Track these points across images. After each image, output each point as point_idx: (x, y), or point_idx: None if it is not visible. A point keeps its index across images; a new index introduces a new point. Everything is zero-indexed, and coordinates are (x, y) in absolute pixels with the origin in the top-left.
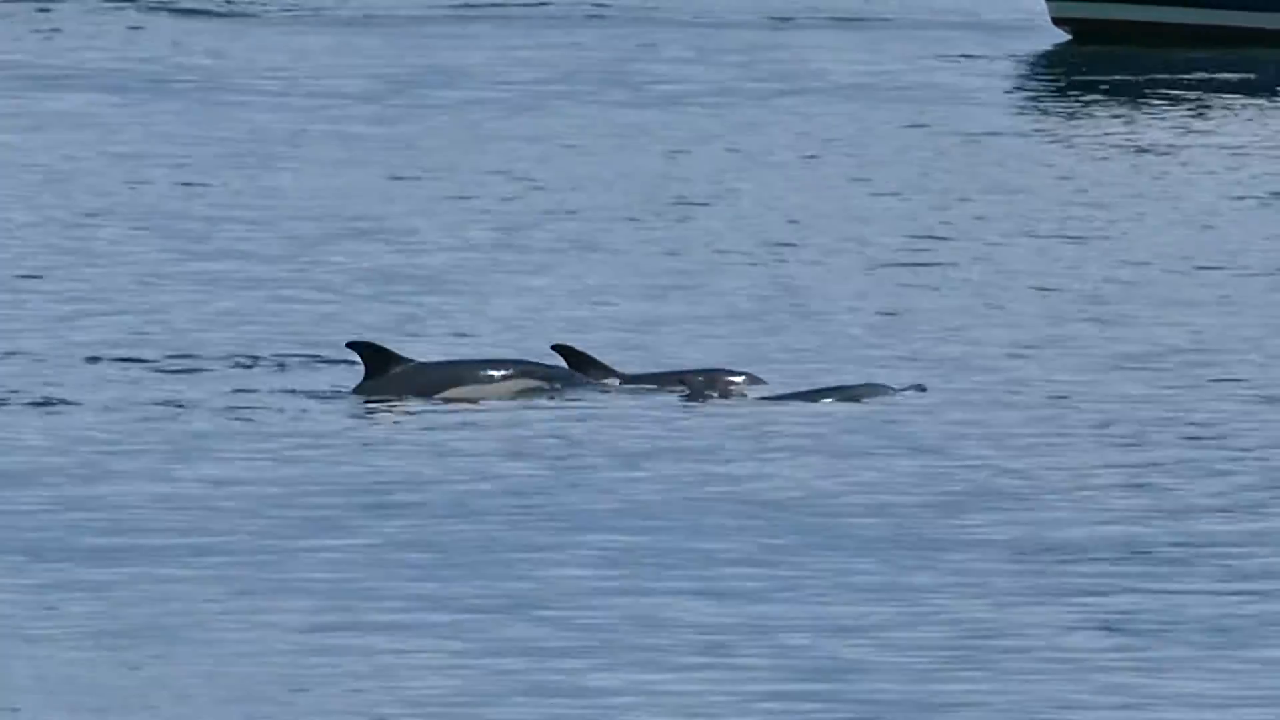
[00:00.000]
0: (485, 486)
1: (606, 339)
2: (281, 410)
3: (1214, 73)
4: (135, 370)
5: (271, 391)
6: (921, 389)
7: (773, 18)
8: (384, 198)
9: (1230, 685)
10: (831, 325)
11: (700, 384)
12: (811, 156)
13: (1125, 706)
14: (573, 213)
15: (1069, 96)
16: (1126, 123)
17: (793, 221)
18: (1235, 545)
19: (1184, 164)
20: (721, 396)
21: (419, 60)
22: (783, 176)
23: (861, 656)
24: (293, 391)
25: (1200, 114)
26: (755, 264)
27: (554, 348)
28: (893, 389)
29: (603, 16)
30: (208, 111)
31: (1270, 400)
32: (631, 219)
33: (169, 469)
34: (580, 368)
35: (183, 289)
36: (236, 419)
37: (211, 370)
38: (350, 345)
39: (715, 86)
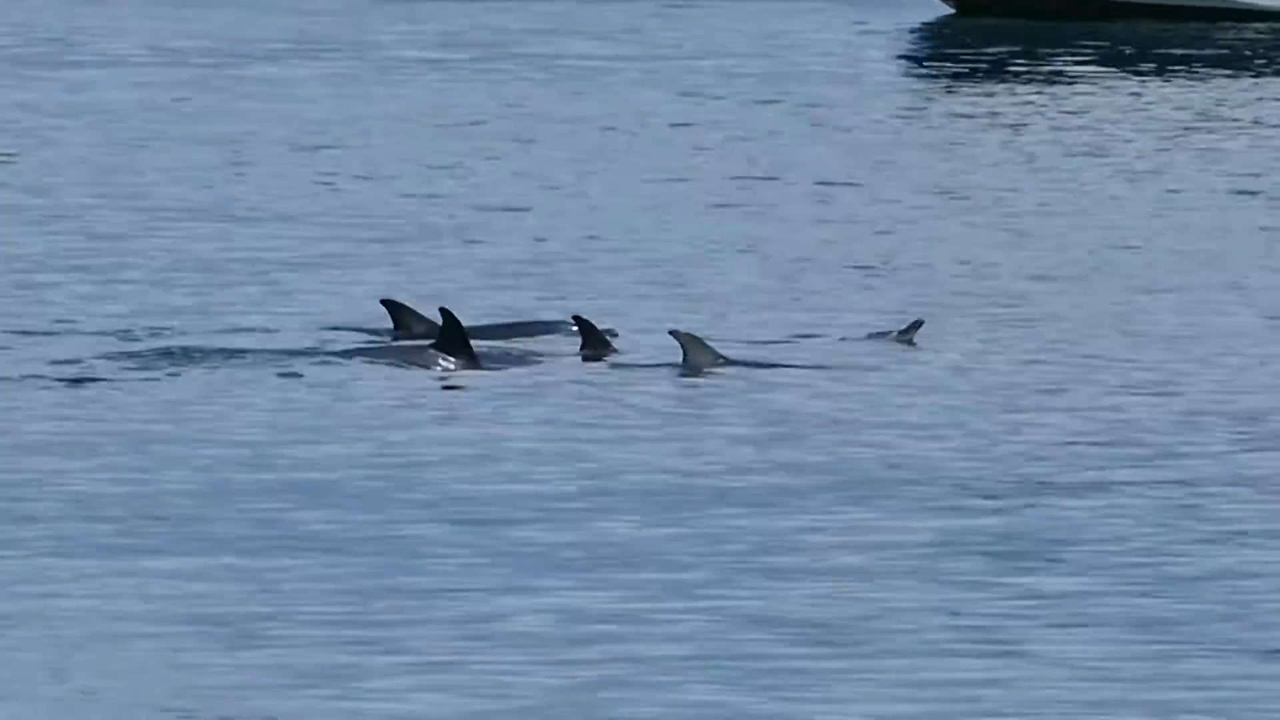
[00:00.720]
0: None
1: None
2: (155, 391)
3: (1096, 47)
4: (19, 346)
5: (139, 371)
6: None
7: None
8: (250, 177)
9: (1104, 669)
10: (713, 301)
11: None
12: (689, 129)
13: (996, 683)
14: (455, 187)
15: (951, 70)
16: (1008, 97)
17: (672, 205)
18: (1110, 533)
19: (1065, 138)
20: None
21: (286, 30)
22: (661, 151)
23: (734, 640)
24: (156, 379)
25: (1082, 88)
26: (628, 246)
27: (574, 318)
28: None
29: None
30: (67, 84)
31: (1162, 383)
32: (510, 189)
33: (86, 451)
34: (592, 337)
35: (56, 269)
36: (116, 398)
37: (91, 349)
38: (383, 302)
39: (599, 61)
